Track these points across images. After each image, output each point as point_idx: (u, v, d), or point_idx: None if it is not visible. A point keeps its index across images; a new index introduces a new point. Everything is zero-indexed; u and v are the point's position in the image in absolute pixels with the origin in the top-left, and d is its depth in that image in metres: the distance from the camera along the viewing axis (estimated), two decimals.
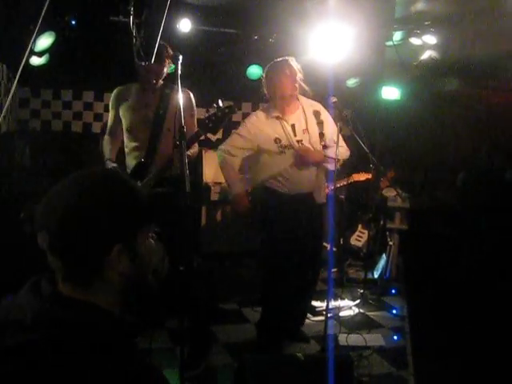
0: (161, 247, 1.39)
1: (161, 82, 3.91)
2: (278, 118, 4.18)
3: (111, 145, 4.05)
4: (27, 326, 1.14)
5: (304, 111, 4.24)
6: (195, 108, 4.02)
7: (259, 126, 4.19)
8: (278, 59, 4.19)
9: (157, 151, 3.85)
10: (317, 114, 4.24)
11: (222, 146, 4.26)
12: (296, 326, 4.62)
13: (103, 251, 1.22)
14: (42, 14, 2.22)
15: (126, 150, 4.03)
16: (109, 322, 1.22)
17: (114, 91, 4.10)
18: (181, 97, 2.98)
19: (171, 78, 3.44)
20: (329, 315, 4.57)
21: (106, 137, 4.11)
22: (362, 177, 5.79)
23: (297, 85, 4.12)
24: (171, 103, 3.86)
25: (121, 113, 4.00)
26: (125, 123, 3.99)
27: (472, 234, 5.86)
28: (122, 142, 4.06)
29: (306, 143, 4.17)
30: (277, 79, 4.09)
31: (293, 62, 4.16)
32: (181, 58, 3.16)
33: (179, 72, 3.11)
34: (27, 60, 4.79)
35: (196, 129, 3.58)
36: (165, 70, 3.85)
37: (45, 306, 1.18)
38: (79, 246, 1.20)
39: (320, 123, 4.21)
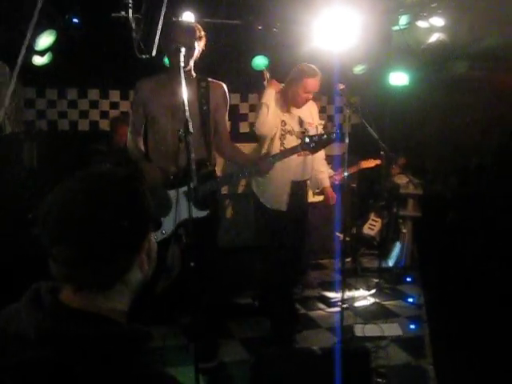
0: (175, 247, 1.36)
1: (193, 73, 3.61)
2: (287, 110, 4.33)
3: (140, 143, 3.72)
4: (31, 341, 1.09)
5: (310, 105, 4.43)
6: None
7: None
8: (312, 66, 4.27)
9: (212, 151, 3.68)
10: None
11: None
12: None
13: (135, 253, 1.21)
14: (37, 11, 2.16)
15: (156, 148, 3.67)
16: (119, 334, 1.16)
17: (139, 84, 3.62)
18: (185, 90, 2.92)
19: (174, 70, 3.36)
20: (344, 306, 4.54)
21: (133, 137, 3.69)
22: (370, 163, 5.72)
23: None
24: (211, 97, 3.67)
25: (152, 108, 3.59)
26: (158, 120, 3.57)
27: (486, 220, 5.77)
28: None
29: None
30: (306, 90, 4.22)
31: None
32: (183, 50, 3.10)
33: (182, 64, 3.05)
34: (30, 60, 4.76)
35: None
36: (195, 52, 3.47)
37: (48, 320, 1.12)
38: (112, 252, 1.15)
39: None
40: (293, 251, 4.43)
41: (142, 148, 3.70)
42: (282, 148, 4.22)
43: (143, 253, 1.23)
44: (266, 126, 4.20)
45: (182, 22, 3.72)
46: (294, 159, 4.14)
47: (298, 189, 4.37)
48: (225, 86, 3.75)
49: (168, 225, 3.33)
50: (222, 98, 3.73)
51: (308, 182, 4.53)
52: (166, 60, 5.30)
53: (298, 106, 4.32)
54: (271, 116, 4.19)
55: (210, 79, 3.65)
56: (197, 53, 3.49)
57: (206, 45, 3.49)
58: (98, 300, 1.18)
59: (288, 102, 4.31)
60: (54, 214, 1.15)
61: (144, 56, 3.29)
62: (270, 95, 4.24)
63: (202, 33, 3.48)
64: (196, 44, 3.43)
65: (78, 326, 1.12)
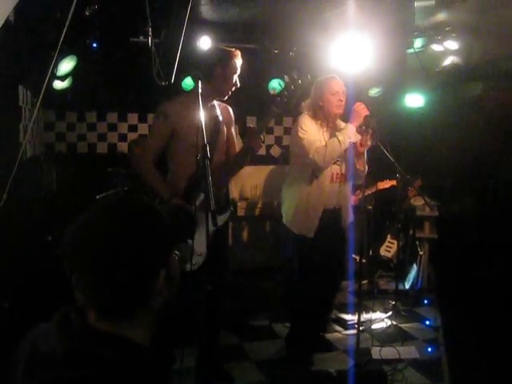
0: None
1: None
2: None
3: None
4: (58, 362, 1.12)
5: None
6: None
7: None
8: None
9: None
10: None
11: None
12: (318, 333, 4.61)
13: (153, 280, 1.22)
14: (61, 40, 2.23)
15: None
16: (143, 357, 1.19)
17: (167, 108, 3.60)
18: (202, 114, 2.97)
19: (192, 95, 3.42)
20: (361, 328, 4.52)
21: (153, 158, 3.62)
22: (386, 184, 5.74)
23: None
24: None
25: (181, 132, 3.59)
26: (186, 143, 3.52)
27: (504, 241, 5.74)
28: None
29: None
30: (333, 91, 4.14)
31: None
32: (201, 76, 3.16)
33: (200, 90, 3.11)
34: (51, 84, 4.86)
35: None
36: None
37: (75, 342, 1.15)
38: (131, 281, 1.18)
39: None
40: (324, 279, 4.31)
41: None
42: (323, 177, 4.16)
43: (162, 279, 1.24)
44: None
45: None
46: (328, 185, 4.12)
47: (330, 217, 4.21)
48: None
49: (202, 247, 3.20)
50: (229, 117, 3.85)
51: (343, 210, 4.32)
52: (183, 85, 5.41)
53: (338, 113, 4.17)
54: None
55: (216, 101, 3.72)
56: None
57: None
58: (122, 325, 1.21)
59: (326, 119, 4.20)
60: (75, 243, 1.19)
61: (163, 83, 3.34)
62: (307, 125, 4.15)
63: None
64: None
65: (105, 349, 1.15)
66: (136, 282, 1.19)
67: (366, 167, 4.23)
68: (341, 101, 4.11)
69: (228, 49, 3.66)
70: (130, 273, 1.17)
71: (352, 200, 4.95)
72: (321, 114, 4.18)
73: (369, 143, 4.13)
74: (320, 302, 4.43)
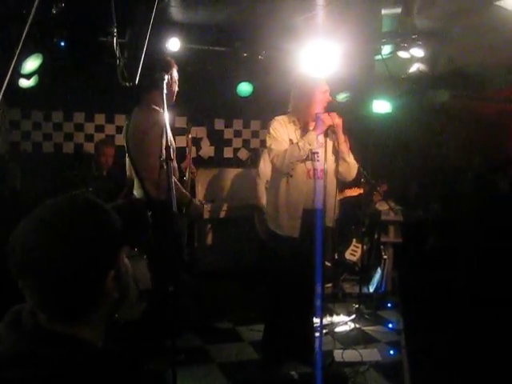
0: (144, 265, 1.37)
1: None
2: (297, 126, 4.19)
3: None
4: (8, 362, 1.11)
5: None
6: None
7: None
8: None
9: None
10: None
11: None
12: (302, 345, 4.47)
13: (101, 281, 1.21)
14: (23, 37, 2.21)
15: None
16: (93, 356, 1.18)
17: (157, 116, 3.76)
18: (167, 117, 2.97)
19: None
20: (324, 331, 4.55)
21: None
22: (354, 192, 5.79)
23: None
24: None
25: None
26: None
27: (466, 246, 5.85)
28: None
29: (321, 156, 4.13)
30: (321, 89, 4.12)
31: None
32: (166, 77, 3.16)
33: (165, 91, 3.11)
34: (16, 82, 4.80)
35: None
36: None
37: (25, 342, 1.14)
38: (77, 283, 1.16)
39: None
40: (305, 281, 4.23)
41: None
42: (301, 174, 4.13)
43: (110, 280, 1.23)
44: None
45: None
46: (305, 182, 4.08)
47: (311, 218, 4.09)
48: None
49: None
50: None
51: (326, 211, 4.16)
52: None
53: (311, 117, 4.12)
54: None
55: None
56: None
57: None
58: (72, 325, 1.20)
59: (305, 120, 4.16)
60: (18, 248, 1.16)
61: (127, 84, 3.33)
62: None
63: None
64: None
65: (54, 348, 1.14)
66: (83, 283, 1.17)
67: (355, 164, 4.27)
68: (327, 97, 4.11)
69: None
70: (76, 274, 1.16)
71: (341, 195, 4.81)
72: (302, 113, 4.15)
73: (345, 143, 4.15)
74: (302, 304, 4.37)
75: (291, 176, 4.10)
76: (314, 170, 4.14)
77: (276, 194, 4.19)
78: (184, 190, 4.10)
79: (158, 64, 3.78)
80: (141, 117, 3.84)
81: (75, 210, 1.23)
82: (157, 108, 3.78)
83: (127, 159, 4.03)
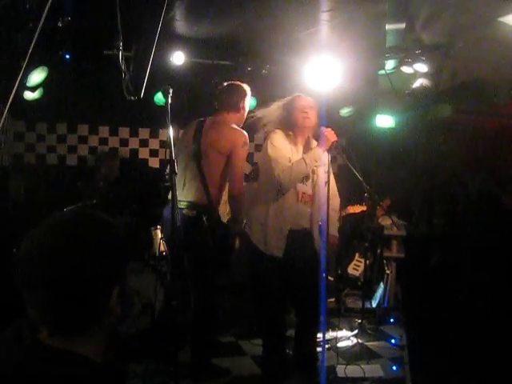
0: (159, 283, 1.36)
1: None
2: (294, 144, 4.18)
3: None
4: (7, 378, 1.10)
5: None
6: None
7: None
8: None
9: None
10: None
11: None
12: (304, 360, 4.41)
13: (106, 297, 1.21)
14: (30, 49, 2.22)
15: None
16: (94, 373, 1.18)
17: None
18: (171, 130, 2.98)
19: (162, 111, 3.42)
20: (326, 346, 4.52)
21: None
22: (357, 209, 5.80)
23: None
24: None
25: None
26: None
27: (470, 261, 5.83)
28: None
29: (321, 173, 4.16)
30: (301, 108, 4.12)
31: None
32: (171, 91, 3.16)
33: (169, 105, 3.11)
34: (21, 94, 4.82)
35: None
36: None
37: (25, 358, 1.14)
38: (82, 298, 1.16)
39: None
40: (297, 304, 4.26)
41: None
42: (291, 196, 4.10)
43: (114, 296, 1.23)
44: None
45: None
46: (294, 204, 4.03)
47: (300, 237, 4.08)
48: None
49: None
50: None
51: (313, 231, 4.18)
52: (155, 99, 5.42)
53: (308, 128, 4.14)
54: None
55: None
56: None
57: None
58: (74, 341, 1.20)
59: (296, 134, 4.16)
60: (24, 259, 1.16)
61: (132, 98, 3.33)
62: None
63: None
64: None
65: (56, 365, 1.13)
66: (88, 298, 1.17)
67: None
68: (308, 118, 4.09)
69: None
70: (81, 289, 1.16)
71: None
72: (293, 130, 4.14)
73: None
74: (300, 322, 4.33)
75: (283, 195, 4.05)
76: (303, 193, 4.11)
77: (263, 212, 4.08)
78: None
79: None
80: (232, 132, 4.11)
81: (84, 224, 1.23)
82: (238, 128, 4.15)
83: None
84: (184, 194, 4.01)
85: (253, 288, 4.36)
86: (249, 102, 4.39)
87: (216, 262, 4.01)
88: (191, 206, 3.96)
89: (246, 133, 4.12)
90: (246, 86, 4.38)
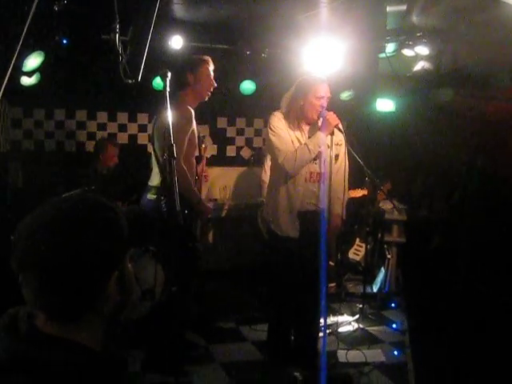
0: (159, 268, 1.34)
1: None
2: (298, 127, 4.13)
3: None
4: (3, 366, 1.09)
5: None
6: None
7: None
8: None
9: None
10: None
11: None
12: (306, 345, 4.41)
13: (104, 281, 1.19)
14: (23, 33, 2.18)
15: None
16: (91, 360, 1.16)
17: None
18: (170, 114, 2.94)
19: (161, 95, 3.37)
20: (328, 331, 4.51)
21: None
22: (358, 193, 5.77)
23: None
24: None
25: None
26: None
27: (470, 246, 5.80)
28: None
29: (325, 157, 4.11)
30: (318, 95, 4.03)
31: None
32: (169, 74, 3.12)
33: (168, 89, 3.07)
34: (18, 80, 4.77)
35: None
36: None
37: (21, 345, 1.12)
38: (80, 282, 1.14)
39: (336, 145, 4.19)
40: (306, 281, 4.17)
41: None
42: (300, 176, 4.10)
43: (113, 282, 1.21)
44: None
45: None
46: (303, 185, 4.05)
47: (313, 218, 4.08)
48: None
49: None
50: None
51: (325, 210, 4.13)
52: (154, 84, 5.37)
53: (313, 118, 4.07)
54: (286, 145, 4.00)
55: None
56: None
57: None
58: (71, 328, 1.18)
59: (298, 118, 4.08)
60: (22, 241, 1.14)
61: (129, 81, 3.29)
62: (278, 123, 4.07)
63: None
64: None
65: (52, 353, 1.11)
66: (86, 282, 1.15)
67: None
68: (322, 107, 4.01)
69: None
70: (80, 271, 1.13)
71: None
72: (296, 114, 4.06)
73: None
74: (306, 305, 4.31)
75: (292, 176, 4.06)
76: (311, 172, 4.11)
77: (276, 194, 4.15)
78: (195, 189, 4.18)
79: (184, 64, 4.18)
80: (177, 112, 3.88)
81: (86, 208, 1.21)
82: (189, 107, 4.06)
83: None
84: (150, 179, 4.17)
85: (272, 272, 4.33)
86: (207, 71, 4.24)
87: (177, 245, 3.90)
88: (153, 189, 4.06)
89: (190, 108, 4.08)
90: (196, 57, 4.34)
